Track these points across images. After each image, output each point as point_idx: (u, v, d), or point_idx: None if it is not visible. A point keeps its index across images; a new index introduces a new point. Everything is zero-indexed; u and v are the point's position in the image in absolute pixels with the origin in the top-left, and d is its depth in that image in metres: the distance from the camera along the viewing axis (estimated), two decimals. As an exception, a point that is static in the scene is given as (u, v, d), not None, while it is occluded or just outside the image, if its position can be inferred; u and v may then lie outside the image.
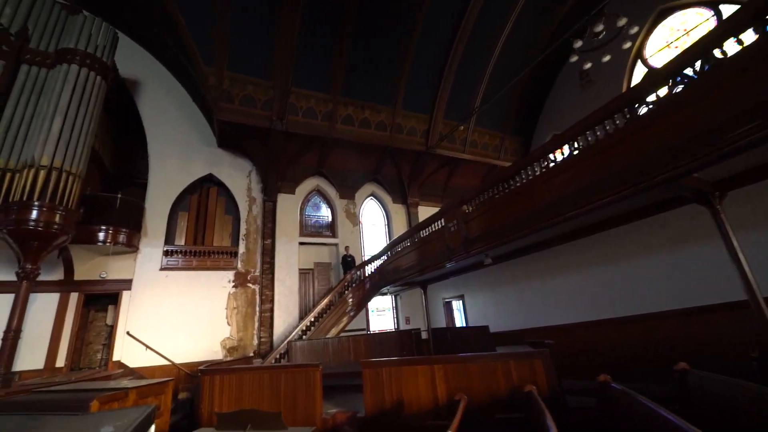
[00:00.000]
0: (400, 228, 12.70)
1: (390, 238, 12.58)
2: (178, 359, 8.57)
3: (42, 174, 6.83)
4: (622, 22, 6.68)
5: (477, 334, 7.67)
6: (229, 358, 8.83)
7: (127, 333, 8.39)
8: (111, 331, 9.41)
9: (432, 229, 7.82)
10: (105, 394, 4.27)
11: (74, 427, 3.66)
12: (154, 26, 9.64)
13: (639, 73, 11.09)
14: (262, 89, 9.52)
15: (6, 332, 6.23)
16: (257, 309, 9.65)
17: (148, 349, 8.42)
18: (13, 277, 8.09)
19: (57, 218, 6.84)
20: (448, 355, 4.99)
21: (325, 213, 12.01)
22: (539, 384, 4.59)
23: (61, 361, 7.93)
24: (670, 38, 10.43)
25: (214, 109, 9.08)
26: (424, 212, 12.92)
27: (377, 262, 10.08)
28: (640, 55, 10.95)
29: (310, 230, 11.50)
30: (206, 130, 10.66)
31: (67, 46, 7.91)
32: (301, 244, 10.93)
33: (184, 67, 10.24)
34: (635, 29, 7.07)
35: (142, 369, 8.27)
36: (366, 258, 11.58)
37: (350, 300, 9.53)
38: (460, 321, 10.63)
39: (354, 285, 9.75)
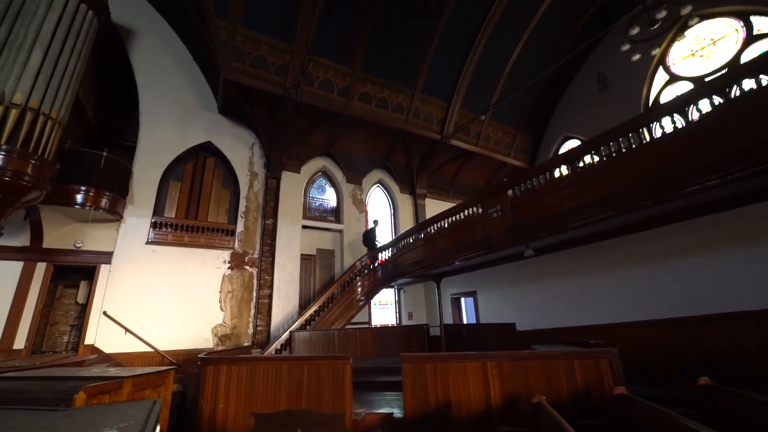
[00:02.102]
0: (406, 219, 12.06)
1: (395, 229, 11.91)
2: (162, 346, 7.52)
3: (14, 113, 5.64)
4: (686, 10, 6.35)
5: (502, 332, 7.16)
6: (221, 347, 7.87)
7: (104, 313, 7.25)
8: (83, 310, 8.17)
9: (463, 215, 7.22)
10: (93, 384, 3.35)
11: (57, 427, 2.75)
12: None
13: (660, 79, 11.02)
14: (278, 52, 8.59)
15: (-45, 302, 5.07)
16: (254, 295, 8.70)
17: (128, 333, 7.32)
18: (-35, 239, 6.83)
19: (29, 169, 5.69)
20: (506, 351, 4.41)
21: (330, 197, 11.16)
22: (606, 386, 4.10)
23: (20, 343, 6.70)
24: (695, 47, 10.39)
25: (222, 66, 8.06)
26: (432, 205, 12.35)
27: (388, 251, 9.40)
28: (662, 61, 10.87)
29: (314, 214, 10.62)
30: (207, 94, 9.57)
31: (54, -31, 6.72)
32: (305, 227, 10.05)
33: (189, 20, 9.05)
34: (695, 20, 6.78)
35: (119, 355, 7.18)
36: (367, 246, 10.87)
37: (360, 289, 8.79)
38: (468, 318, 10.13)
39: (364, 273, 9.02)
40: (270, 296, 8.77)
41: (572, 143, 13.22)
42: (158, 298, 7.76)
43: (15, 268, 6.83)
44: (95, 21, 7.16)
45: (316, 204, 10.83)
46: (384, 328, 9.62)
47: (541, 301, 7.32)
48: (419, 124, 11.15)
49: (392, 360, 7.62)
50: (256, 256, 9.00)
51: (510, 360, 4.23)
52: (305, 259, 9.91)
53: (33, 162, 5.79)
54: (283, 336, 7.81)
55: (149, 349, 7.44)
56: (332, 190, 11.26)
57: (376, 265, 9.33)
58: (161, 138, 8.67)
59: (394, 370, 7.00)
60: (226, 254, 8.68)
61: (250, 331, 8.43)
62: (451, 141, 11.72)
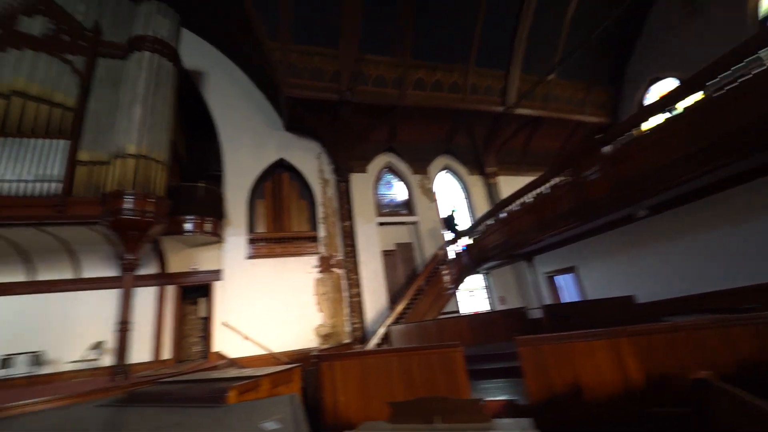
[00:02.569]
0: (480, 201, 11.55)
1: (471, 213, 11.50)
2: (275, 348, 8.24)
3: (131, 163, 6.67)
4: None
5: (618, 307, 6.43)
6: (325, 346, 8.37)
7: (223, 323, 8.19)
8: (205, 323, 9.37)
9: (549, 186, 6.64)
10: (239, 383, 3.75)
11: (221, 421, 3.05)
12: (212, 7, 9.32)
13: (774, -18, 8.86)
14: (329, 59, 8.84)
15: (119, 324, 6.12)
16: (345, 294, 9.10)
17: (246, 339, 8.16)
18: (114, 273, 8.25)
19: (149, 206, 6.66)
20: (642, 325, 3.91)
21: (398, 191, 11.19)
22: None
23: (166, 353, 7.90)
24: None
25: (281, 85, 8.55)
26: (506, 183, 11.64)
27: (469, 236, 9.10)
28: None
29: (386, 210, 10.76)
30: (272, 115, 10.26)
31: (136, 34, 7.75)
32: (380, 224, 10.22)
33: (246, 54, 9.91)
34: None
35: (241, 359, 8.04)
36: (447, 235, 10.65)
37: (446, 278, 8.66)
38: (568, 297, 9.34)
39: (448, 261, 8.87)
40: (359, 294, 9.08)
41: (663, 85, 11.37)
42: (264, 306, 8.53)
43: (151, 292, 8.06)
44: (173, 69, 8.09)
45: (387, 200, 10.94)
46: (478, 315, 9.34)
47: (662, 266, 6.37)
48: (478, 99, 10.59)
49: (493, 347, 7.34)
50: (340, 257, 9.39)
51: (648, 334, 3.73)
52: (386, 254, 10.07)
53: (152, 200, 6.73)
54: (380, 331, 8.03)
55: (264, 352, 8.21)
56: (400, 183, 11.26)
57: (459, 252, 9.10)
58: (242, 163, 9.52)
59: (500, 356, 6.73)
60: (313, 259, 9.21)
61: (348, 328, 8.83)
62: (516, 110, 10.91)
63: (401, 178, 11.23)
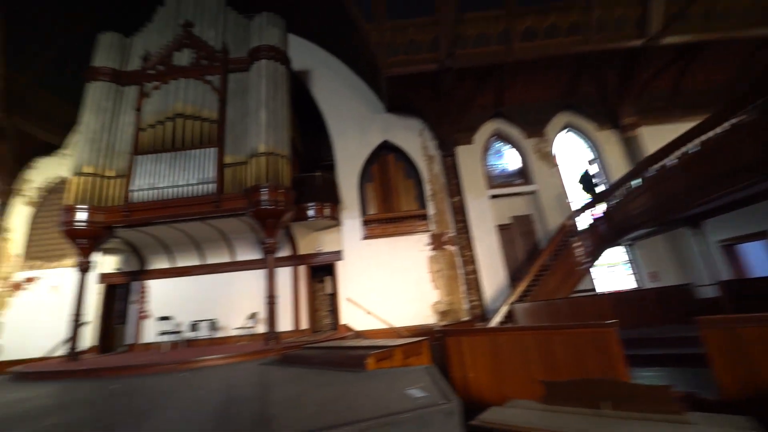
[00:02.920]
0: (615, 160, 9.66)
1: (605, 175, 9.75)
2: (395, 323, 8.59)
3: (263, 160, 7.63)
4: None
5: None
6: (444, 323, 8.33)
7: (347, 299, 8.88)
8: (332, 299, 10.38)
9: (724, 128, 5.04)
10: (376, 351, 3.91)
11: (365, 383, 3.14)
12: (311, 6, 9.85)
13: None
14: (425, 29, 8.43)
15: (268, 297, 7.17)
16: (460, 272, 8.85)
17: (368, 314, 8.71)
18: (258, 256, 9.76)
19: (280, 196, 7.53)
20: None
21: (511, 159, 10.21)
22: None
23: (303, 324, 9.02)
24: None
25: (380, 67, 8.54)
26: (651, 135, 9.44)
27: (605, 203, 7.71)
28: None
29: (498, 181, 9.96)
30: (374, 99, 10.46)
31: (253, 46, 8.69)
32: (493, 197, 9.53)
33: (345, 45, 10.27)
34: None
35: (366, 332, 8.62)
36: (574, 203, 9.28)
37: (578, 251, 7.59)
38: (757, 271, 7.16)
39: (579, 234, 7.73)
40: (475, 271, 8.71)
41: None
42: (382, 283, 8.93)
43: (287, 272, 9.24)
44: (285, 71, 8.85)
45: (498, 170, 10.10)
46: (624, 294, 7.94)
47: None
48: (607, 36, 8.73)
49: (648, 330, 6.14)
50: (452, 234, 9.13)
51: None
52: (502, 229, 9.37)
53: (281, 191, 7.58)
54: (502, 309, 7.55)
55: (386, 326, 8.61)
56: (512, 151, 10.25)
57: (594, 221, 7.81)
58: (349, 149, 10.01)
59: (660, 341, 5.58)
60: (425, 237, 9.18)
61: (465, 306, 8.59)
62: (662, 40, 8.63)
63: (513, 144, 10.20)
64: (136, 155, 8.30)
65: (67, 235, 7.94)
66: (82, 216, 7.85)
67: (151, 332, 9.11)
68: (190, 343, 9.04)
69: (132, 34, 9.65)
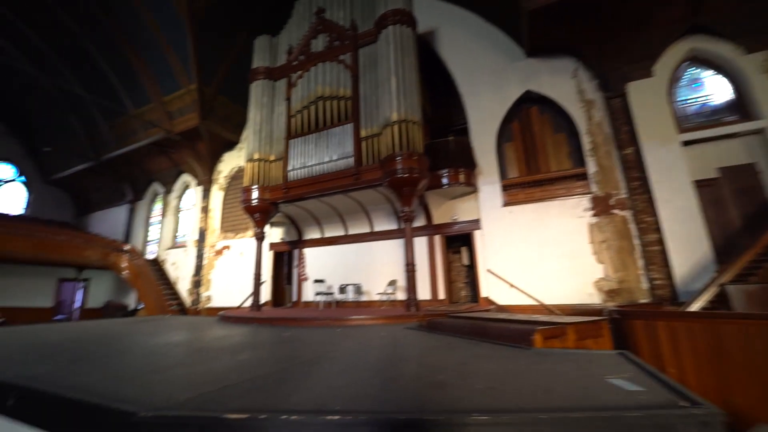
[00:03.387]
0: None
1: None
2: (545, 299, 7.52)
3: (396, 128, 7.51)
4: None
5: None
6: (612, 304, 6.83)
7: (488, 270, 8.22)
8: (468, 270, 9.88)
9: None
10: (544, 327, 3.26)
11: (537, 363, 2.54)
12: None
13: None
14: (580, -66, 6.60)
15: (407, 266, 7.18)
16: (636, 242, 7.03)
17: (512, 287, 7.88)
18: (393, 226, 9.99)
19: (414, 164, 7.30)
20: None
21: (715, 89, 7.40)
22: None
23: (440, 294, 8.84)
24: None
25: (522, 2, 7.17)
26: None
27: None
28: None
29: (694, 121, 7.38)
30: (509, 47, 9.07)
31: (379, 14, 8.51)
32: (686, 143, 7.13)
33: None
34: None
35: (509, 307, 7.84)
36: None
37: None
38: None
39: None
40: (660, 242, 6.75)
41: None
42: (527, 255, 7.91)
43: (422, 242, 9.13)
44: (412, 32, 8.40)
45: (694, 107, 7.46)
46: None
47: None
48: None
49: None
50: (623, 196, 7.28)
51: None
52: (703, 186, 6.93)
53: (415, 158, 7.34)
54: (708, 291, 5.61)
55: (533, 302, 7.63)
56: (716, 78, 7.39)
57: None
58: (484, 108, 9.03)
59: None
60: (584, 200, 7.61)
61: (644, 285, 6.81)
62: None
63: (719, 68, 7.33)
64: (290, 139, 9.39)
65: (246, 210, 9.69)
66: (254, 195, 9.42)
67: (309, 292, 10.51)
68: (339, 304, 10.05)
69: (277, 33, 10.85)
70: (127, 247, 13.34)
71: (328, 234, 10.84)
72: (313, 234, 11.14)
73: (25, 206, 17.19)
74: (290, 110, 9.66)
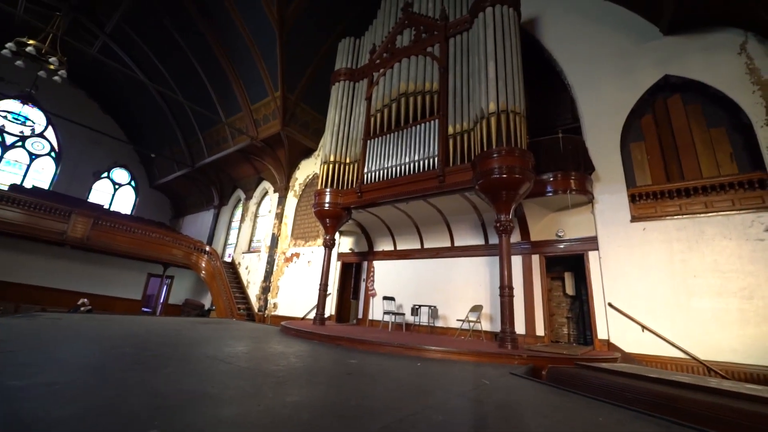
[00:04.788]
0: None
1: None
2: (701, 353, 5.38)
3: (493, 120, 6.28)
4: None
5: None
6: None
7: (609, 305, 6.31)
8: (573, 302, 7.93)
9: None
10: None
11: None
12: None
13: None
14: None
15: (501, 289, 5.73)
16: None
17: (646, 331, 5.87)
18: (479, 241, 8.55)
19: (516, 161, 5.95)
20: None
21: None
22: None
23: (539, 330, 7.09)
24: None
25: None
26: None
27: None
28: None
29: None
30: (639, 24, 7.33)
31: (476, -1, 7.55)
32: None
33: None
34: None
35: (641, 356, 5.83)
36: None
37: None
38: None
39: None
40: None
41: None
42: (669, 287, 5.87)
43: (517, 262, 7.53)
44: (515, 14, 7.22)
45: None
46: None
47: None
48: None
49: None
50: (837, 211, 4.99)
51: None
52: None
53: (516, 155, 6.00)
54: None
55: (681, 355, 5.54)
56: None
57: None
58: (604, 100, 7.35)
59: None
60: (765, 217, 5.41)
61: None
62: None
63: None
64: (368, 140, 8.72)
65: (317, 215, 9.15)
66: (327, 198, 8.85)
67: (377, 310, 9.46)
68: (409, 327, 8.82)
69: (362, 35, 10.54)
70: (207, 249, 13.89)
71: (402, 246, 9.79)
72: (385, 245, 10.20)
73: (132, 207, 19.41)
74: (370, 110, 9.05)
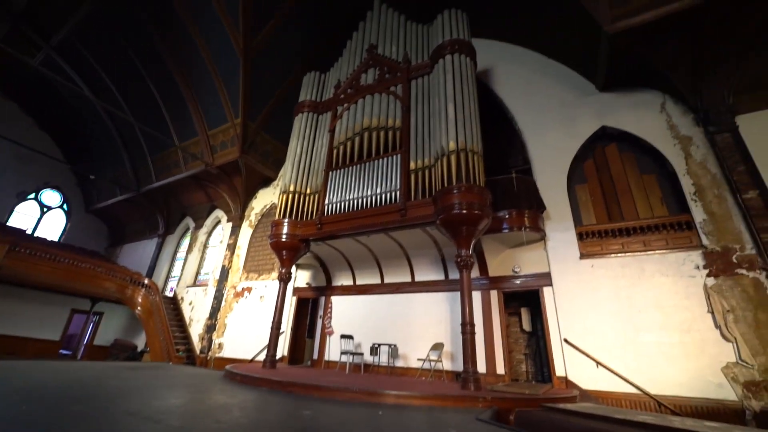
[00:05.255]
0: None
1: None
2: (649, 387, 5.56)
3: (453, 158, 6.49)
4: None
5: None
6: (756, 404, 4.81)
7: (565, 340, 6.42)
8: (529, 338, 8.02)
9: None
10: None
11: None
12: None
13: None
14: (673, -48, 5.88)
15: (463, 326, 5.63)
16: (783, 314, 5.18)
17: (600, 366, 6.00)
18: (438, 276, 8.51)
19: (475, 198, 6.11)
20: None
21: None
22: None
23: (499, 368, 6.99)
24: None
25: (602, 24, 6.38)
26: None
27: None
28: None
29: (839, 161, 5.83)
30: (579, 80, 8.22)
31: (436, 45, 8.07)
32: (838, 187, 5.53)
33: (532, 26, 8.74)
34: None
35: (596, 393, 5.90)
36: None
37: None
38: None
39: None
40: (824, 317, 4.87)
41: None
42: (618, 322, 6.12)
43: (476, 298, 7.54)
44: (471, 63, 7.77)
45: (836, 144, 5.95)
46: None
47: None
48: None
49: None
50: (750, 252, 5.58)
51: None
52: None
53: (475, 192, 6.17)
54: None
55: (633, 390, 5.68)
56: None
57: None
58: (550, 145, 7.97)
59: None
60: (693, 256, 5.93)
61: (809, 379, 4.81)
62: None
63: None
64: (330, 171, 8.62)
65: (273, 247, 8.67)
66: (285, 229, 8.47)
67: (334, 349, 8.90)
68: (368, 367, 8.34)
69: (327, 70, 10.78)
70: (146, 281, 12.54)
71: (362, 281, 9.49)
72: (344, 280, 9.83)
73: (62, 233, 17.32)
74: (333, 142, 9.04)
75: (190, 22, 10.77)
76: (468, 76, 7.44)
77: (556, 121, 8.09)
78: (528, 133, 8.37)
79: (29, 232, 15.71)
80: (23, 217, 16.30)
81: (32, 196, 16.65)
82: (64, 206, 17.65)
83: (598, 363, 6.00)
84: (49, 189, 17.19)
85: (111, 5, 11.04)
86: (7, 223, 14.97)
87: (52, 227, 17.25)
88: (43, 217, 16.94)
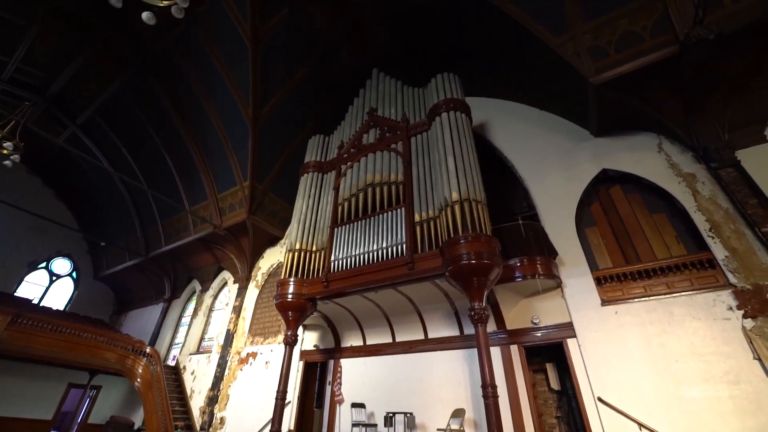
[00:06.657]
0: None
1: None
2: (707, 455, 4.86)
3: (457, 208, 6.50)
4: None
5: None
6: None
7: (599, 399, 5.79)
8: (559, 398, 7.28)
9: None
10: None
11: None
12: (480, 57, 9.54)
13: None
14: (644, 11, 6.39)
15: (484, 389, 5.15)
16: (842, 358, 4.66)
17: (643, 429, 5.31)
18: (453, 332, 8.03)
19: (483, 246, 5.98)
20: None
21: None
22: None
23: (529, 435, 6.24)
24: None
25: (586, 77, 6.77)
26: None
27: None
28: None
29: None
30: (573, 128, 8.50)
31: (432, 104, 8.57)
32: None
33: (522, 85, 9.40)
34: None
35: (646, 464, 5.15)
36: None
37: None
38: None
39: None
40: None
41: None
42: (654, 375, 5.57)
43: (495, 354, 7.01)
44: (467, 119, 8.16)
45: None
46: None
47: None
48: None
49: None
50: (785, 288, 5.23)
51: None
52: None
53: (483, 240, 6.06)
54: None
55: (686, 459, 4.95)
56: None
57: None
58: (553, 191, 8.00)
59: None
60: (723, 296, 5.55)
61: None
62: None
63: None
64: (335, 227, 8.65)
65: (278, 308, 8.42)
66: (290, 289, 8.28)
67: (345, 420, 8.13)
68: (384, 441, 7.53)
69: (330, 133, 11.39)
70: (148, 350, 12.03)
71: (372, 341, 9.00)
72: (353, 340, 9.33)
73: (68, 301, 17.16)
74: (337, 198, 9.21)
75: (204, 96, 11.71)
76: (465, 129, 7.77)
77: (556, 166, 8.22)
78: (529, 179, 8.46)
79: (36, 301, 15.60)
80: (32, 286, 16.32)
81: (43, 265, 16.83)
82: (73, 274, 17.74)
83: (640, 425, 5.33)
84: (60, 257, 17.43)
85: (134, 85, 12.15)
86: (15, 293, 14.93)
87: (60, 295, 17.17)
88: (51, 285, 16.95)
